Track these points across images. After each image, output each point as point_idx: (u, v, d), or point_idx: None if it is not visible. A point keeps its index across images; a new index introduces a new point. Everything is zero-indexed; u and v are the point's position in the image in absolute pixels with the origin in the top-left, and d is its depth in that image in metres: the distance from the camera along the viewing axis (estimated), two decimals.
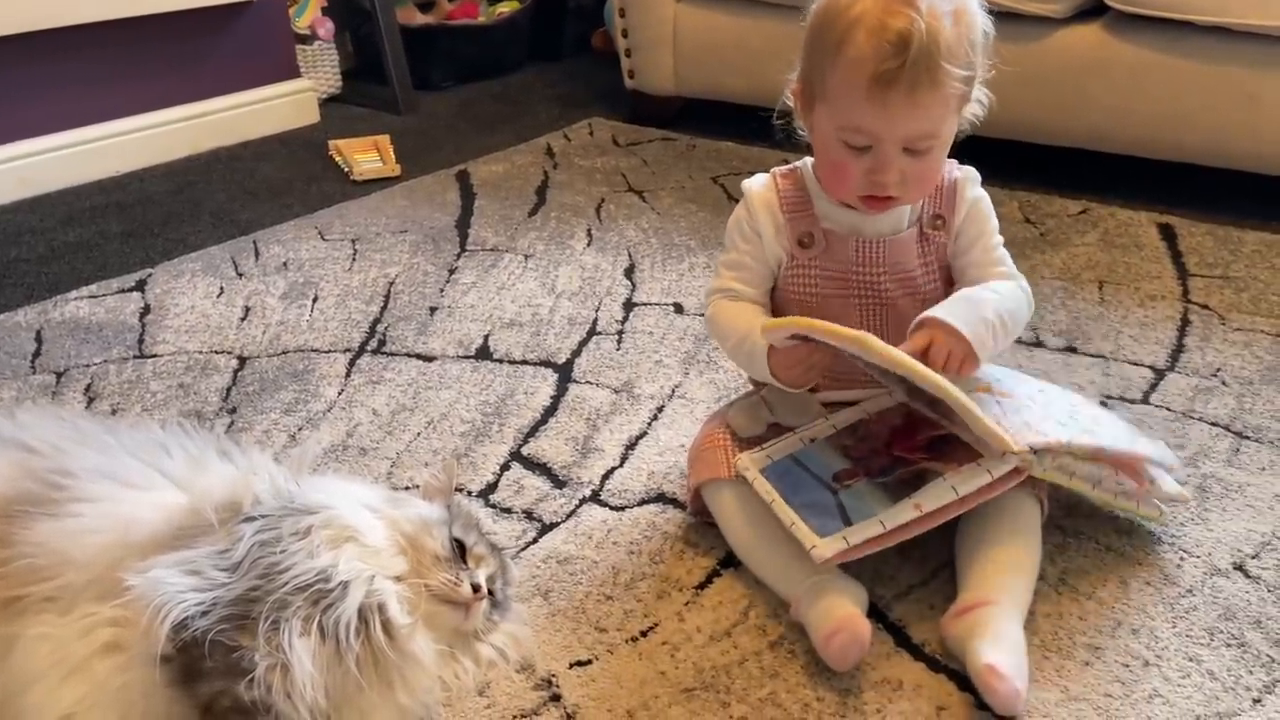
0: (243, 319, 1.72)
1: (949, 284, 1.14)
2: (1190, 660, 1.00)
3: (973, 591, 1.00)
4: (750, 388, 1.26)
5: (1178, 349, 1.55)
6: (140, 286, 1.84)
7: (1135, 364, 1.52)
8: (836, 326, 0.97)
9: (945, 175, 1.12)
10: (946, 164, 1.13)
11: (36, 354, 1.61)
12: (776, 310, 1.15)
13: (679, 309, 1.72)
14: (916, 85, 0.97)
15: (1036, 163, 2.24)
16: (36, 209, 2.21)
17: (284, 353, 1.61)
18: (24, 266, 1.93)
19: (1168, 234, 1.94)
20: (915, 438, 1.06)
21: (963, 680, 0.97)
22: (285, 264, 1.92)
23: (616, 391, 1.49)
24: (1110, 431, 1.10)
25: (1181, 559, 1.13)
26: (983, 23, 1.03)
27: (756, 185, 1.14)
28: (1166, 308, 1.67)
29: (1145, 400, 1.43)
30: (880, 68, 0.96)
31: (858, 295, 1.11)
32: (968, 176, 1.13)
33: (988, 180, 1.16)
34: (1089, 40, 2.08)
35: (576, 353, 1.60)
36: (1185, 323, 1.63)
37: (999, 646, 0.93)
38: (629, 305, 1.74)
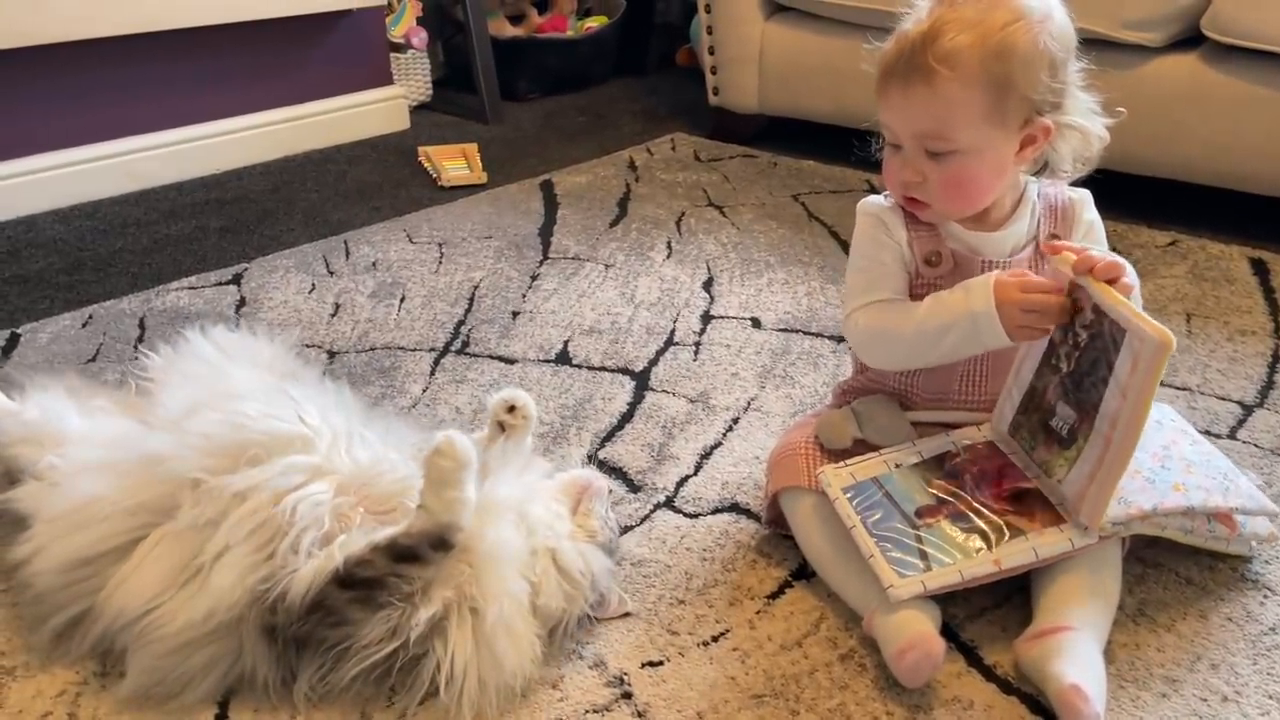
0: (333, 315, 1.78)
1: None
2: (1270, 698, 0.98)
3: (1050, 616, 1.00)
4: (830, 401, 1.27)
5: (1268, 385, 1.52)
6: (237, 280, 1.91)
7: (1223, 399, 1.49)
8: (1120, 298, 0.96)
9: (1059, 195, 1.13)
10: (1057, 185, 1.13)
11: (140, 339, 1.69)
12: None
13: (756, 324, 1.74)
14: (908, 81, 1.02)
15: (1124, 192, 2.19)
16: (142, 202, 2.31)
17: (372, 349, 1.67)
18: (129, 257, 2.02)
19: (1260, 269, 1.90)
20: (1001, 485, 1.06)
21: (1034, 703, 0.97)
22: (374, 264, 1.98)
23: (692, 401, 1.51)
24: (1201, 481, 1.08)
25: (1265, 597, 1.11)
26: (1045, 46, 1.01)
27: (878, 199, 1.15)
28: (1257, 343, 1.64)
29: (1232, 435, 1.40)
30: (885, 63, 1.05)
31: None
32: (1082, 199, 1.13)
33: None
34: (1185, 70, 2.05)
35: (654, 362, 1.62)
36: (1276, 359, 1.59)
37: (1082, 669, 0.93)
38: (707, 318, 1.76)
